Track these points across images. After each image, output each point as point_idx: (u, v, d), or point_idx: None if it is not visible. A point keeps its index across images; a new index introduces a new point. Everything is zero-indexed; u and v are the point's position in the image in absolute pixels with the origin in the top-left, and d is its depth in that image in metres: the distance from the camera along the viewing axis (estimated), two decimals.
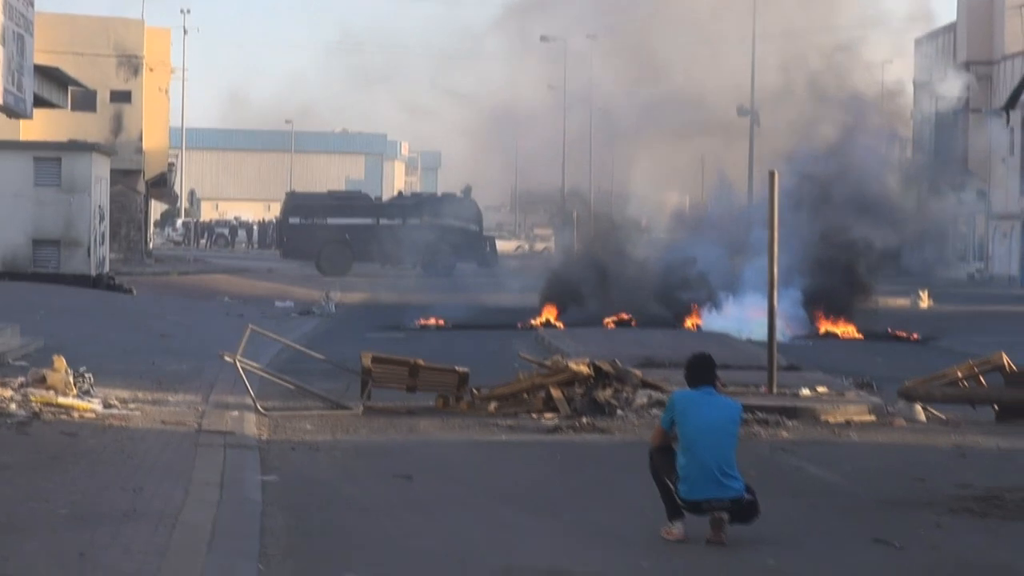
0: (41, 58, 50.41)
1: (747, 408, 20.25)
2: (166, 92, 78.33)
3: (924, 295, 52.46)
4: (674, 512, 12.83)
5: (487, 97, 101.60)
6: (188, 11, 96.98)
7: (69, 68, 54.47)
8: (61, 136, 55.73)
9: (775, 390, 22.07)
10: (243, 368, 21.22)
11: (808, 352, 32.47)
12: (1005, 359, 21.45)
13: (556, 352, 28.23)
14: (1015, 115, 71.48)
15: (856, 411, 21.23)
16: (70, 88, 53.48)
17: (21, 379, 20.57)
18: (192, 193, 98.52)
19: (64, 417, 18.91)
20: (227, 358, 21.22)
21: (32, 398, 19.38)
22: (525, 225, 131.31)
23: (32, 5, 27.75)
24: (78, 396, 20.00)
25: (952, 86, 79.88)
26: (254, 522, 13.25)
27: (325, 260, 73.94)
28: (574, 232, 62.97)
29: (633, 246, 46.14)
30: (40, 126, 62.16)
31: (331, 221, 75.46)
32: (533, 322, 40.22)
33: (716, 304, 39.72)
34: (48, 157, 46.85)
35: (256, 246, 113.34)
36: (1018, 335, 37.77)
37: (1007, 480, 16.08)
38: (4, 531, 12.07)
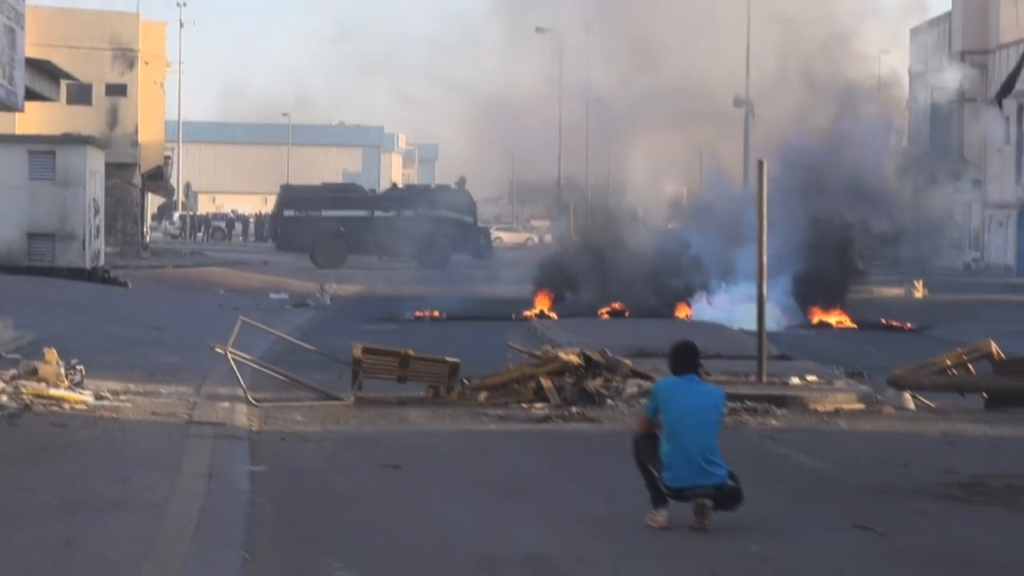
0: (36, 52, 50.49)
1: (736, 397, 20.41)
2: (162, 85, 78.38)
3: (919, 285, 52.53)
4: (658, 499, 12.91)
5: (483, 89, 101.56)
6: (184, 3, 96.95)
7: (64, 62, 54.49)
8: (57, 130, 55.78)
9: (764, 379, 22.14)
10: (235, 360, 21.28)
11: (801, 341, 32.54)
12: (993, 347, 21.53)
13: (549, 343, 28.27)
14: (1010, 104, 71.50)
15: (845, 399, 21.31)
16: (65, 82, 53.59)
17: (13, 371, 20.64)
18: (188, 186, 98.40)
19: (55, 409, 18.98)
20: (218, 349, 21.29)
21: (23, 390, 19.45)
22: (522, 217, 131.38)
23: None
24: (69, 388, 20.07)
25: (950, 77, 79.94)
26: (241, 511, 13.33)
27: (320, 252, 73.98)
28: (570, 223, 63.04)
29: (628, 236, 46.18)
30: (36, 120, 62.30)
31: (326, 213, 75.51)
32: (527, 313, 40.29)
33: (709, 291, 39.80)
34: (42, 151, 46.86)
35: (253, 239, 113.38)
36: (1011, 324, 37.85)
37: (993, 467, 16.17)
38: None
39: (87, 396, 19.83)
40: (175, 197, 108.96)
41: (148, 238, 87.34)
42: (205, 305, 42.90)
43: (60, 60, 52.20)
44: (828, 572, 11.66)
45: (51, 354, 20.58)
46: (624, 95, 61.52)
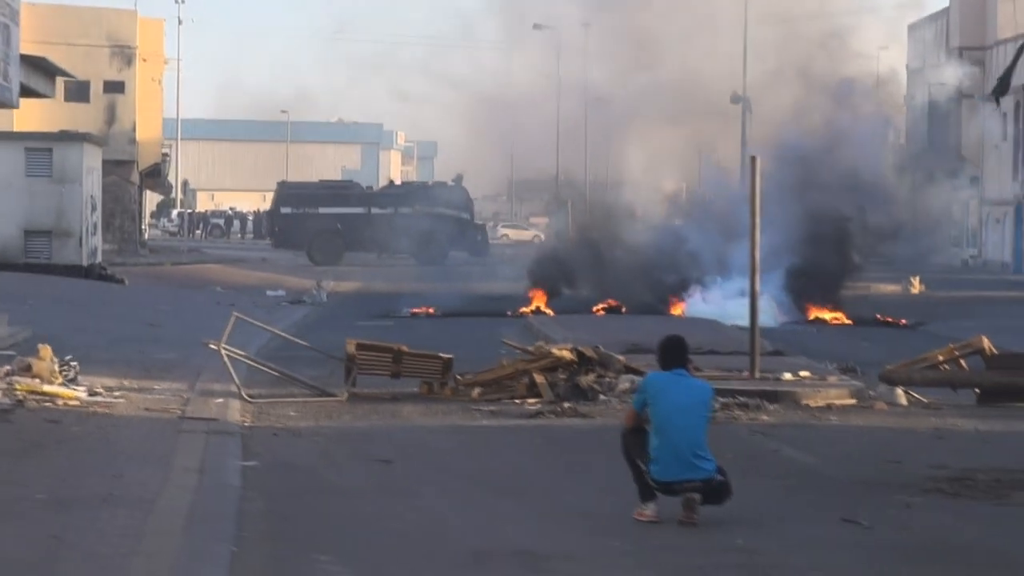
0: (33, 48, 50.57)
1: (728, 392, 20.47)
2: (160, 83, 78.43)
3: (915, 281, 52.59)
4: (646, 494, 12.96)
5: (482, 86, 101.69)
6: (182, 0, 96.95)
7: (62, 58, 54.56)
8: (55, 127, 55.84)
9: (757, 375, 22.19)
10: (229, 356, 21.34)
11: (796, 337, 32.61)
12: (986, 342, 21.57)
13: (544, 339, 28.35)
14: (1007, 101, 71.51)
15: (837, 395, 21.36)
16: (63, 79, 53.65)
17: (7, 368, 20.66)
18: (185, 184, 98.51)
19: (48, 405, 19.03)
20: (211, 346, 21.34)
21: (17, 386, 19.49)
22: (521, 214, 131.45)
23: None
24: (63, 384, 20.11)
25: (948, 74, 79.92)
26: (231, 506, 13.36)
27: (317, 249, 74.00)
28: (568, 220, 63.07)
29: (625, 232, 46.23)
30: (34, 117, 62.37)
31: (322, 211, 75.52)
32: (523, 310, 40.34)
33: (704, 287, 39.85)
34: (39, 147, 46.89)
35: (251, 236, 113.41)
36: (1006, 320, 37.95)
37: (981, 461, 16.21)
38: None
39: (81, 392, 19.88)
40: (173, 194, 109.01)
41: (146, 235, 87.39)
42: (202, 302, 42.96)
43: (58, 57, 52.27)
44: (814, 565, 11.71)
45: (45, 350, 20.62)
46: (623, 92, 61.54)
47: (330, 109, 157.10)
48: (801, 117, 47.56)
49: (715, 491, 12.81)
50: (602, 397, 20.70)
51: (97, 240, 50.39)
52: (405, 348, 21.77)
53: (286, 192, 78.32)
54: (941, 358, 21.56)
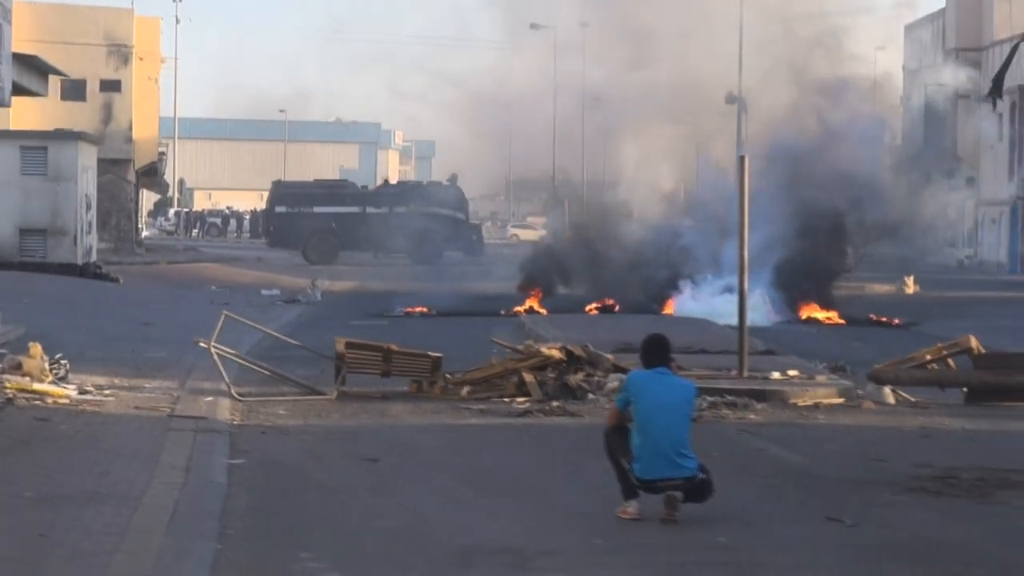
0: (30, 47, 50.64)
1: (717, 391, 20.53)
2: (156, 81, 78.49)
3: (910, 281, 52.63)
4: (629, 491, 13.03)
5: (480, 85, 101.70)
6: None
7: (58, 57, 54.65)
8: (51, 125, 55.89)
9: (746, 373, 22.25)
10: (220, 354, 21.39)
11: (787, 337, 32.64)
12: (973, 342, 21.64)
13: (536, 338, 28.41)
14: (1003, 101, 71.59)
15: (825, 394, 21.42)
16: (59, 78, 53.72)
17: None
18: (182, 183, 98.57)
19: (38, 403, 19.08)
20: (201, 344, 21.39)
21: (6, 384, 19.54)
22: (519, 214, 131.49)
23: None
24: (53, 383, 20.16)
25: (944, 75, 79.95)
26: (216, 504, 13.41)
27: (312, 249, 74.00)
28: (564, 219, 63.13)
29: (620, 231, 46.28)
30: (30, 115, 62.45)
31: (317, 210, 75.49)
32: (517, 309, 40.40)
33: (696, 286, 39.90)
34: (34, 146, 46.90)
35: (248, 235, 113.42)
36: (1000, 320, 38.01)
37: (966, 460, 16.28)
38: None
39: (71, 390, 19.94)
40: (170, 193, 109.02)
41: (143, 234, 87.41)
42: (196, 301, 42.99)
43: (55, 56, 52.39)
44: (795, 563, 11.77)
45: (35, 349, 20.67)
46: (620, 91, 61.59)
47: (328, 108, 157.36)
48: (796, 117, 47.63)
49: (697, 489, 12.88)
50: (591, 396, 20.76)
51: (92, 239, 50.41)
52: (395, 347, 21.83)
53: (281, 191, 78.29)
54: (929, 357, 21.64)
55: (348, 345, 21.62)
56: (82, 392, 20.08)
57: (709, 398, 20.05)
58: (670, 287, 40.44)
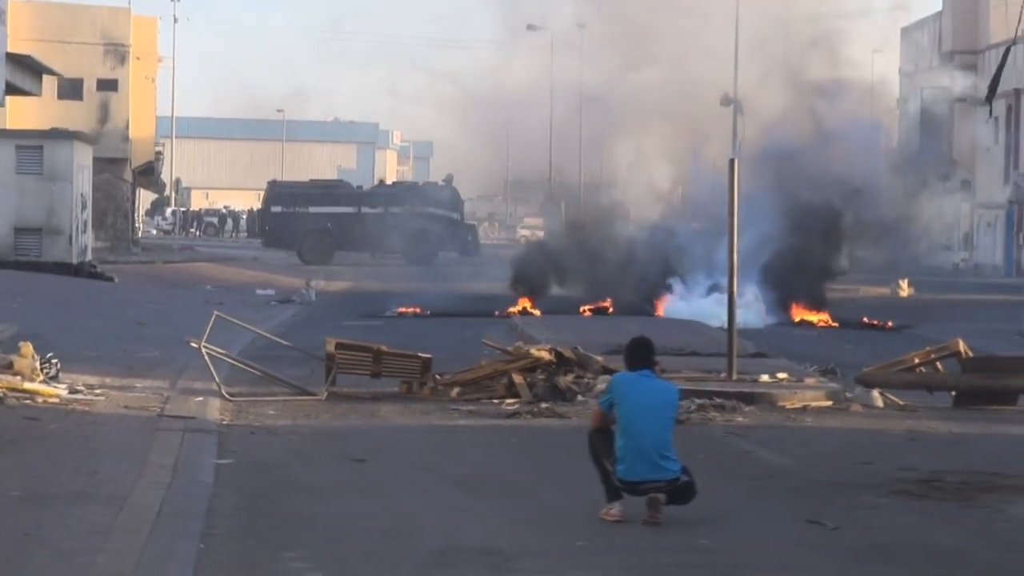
0: (27, 46, 50.73)
1: (705, 393, 20.58)
2: (153, 81, 78.53)
3: (904, 284, 52.68)
4: (612, 493, 13.08)
5: (477, 86, 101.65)
6: None
7: (55, 57, 54.87)
8: (47, 125, 55.93)
9: (735, 376, 22.30)
10: (211, 354, 21.43)
11: (779, 339, 32.69)
12: (961, 345, 21.70)
13: (528, 339, 28.44)
14: (999, 106, 71.62)
15: (813, 397, 21.47)
16: (56, 77, 53.83)
17: None
18: (178, 182, 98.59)
19: (28, 402, 19.13)
20: (192, 344, 21.43)
21: None
22: (517, 214, 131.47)
23: None
24: (44, 382, 20.20)
25: (941, 78, 80.00)
26: (202, 503, 13.47)
27: (307, 249, 74.03)
28: (561, 220, 63.21)
29: (614, 231, 46.34)
30: (27, 114, 62.49)
31: (313, 210, 75.53)
32: (510, 310, 40.44)
33: (689, 288, 39.95)
34: (30, 145, 46.90)
35: (244, 235, 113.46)
36: (993, 323, 38.09)
37: (952, 464, 16.33)
38: None
39: (61, 390, 19.99)
40: (166, 192, 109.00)
41: (139, 233, 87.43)
42: (191, 301, 43.02)
43: (51, 55, 52.52)
44: (776, 565, 11.83)
45: (26, 348, 20.73)
46: (617, 92, 61.66)
47: (326, 108, 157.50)
48: (792, 119, 47.71)
49: (680, 491, 12.94)
50: (580, 398, 20.81)
51: (87, 238, 50.47)
52: (385, 348, 21.88)
53: (276, 191, 78.33)
54: (917, 360, 21.70)
55: (338, 346, 21.67)
56: (72, 391, 20.14)
57: (698, 400, 20.10)
58: (661, 287, 40.48)
